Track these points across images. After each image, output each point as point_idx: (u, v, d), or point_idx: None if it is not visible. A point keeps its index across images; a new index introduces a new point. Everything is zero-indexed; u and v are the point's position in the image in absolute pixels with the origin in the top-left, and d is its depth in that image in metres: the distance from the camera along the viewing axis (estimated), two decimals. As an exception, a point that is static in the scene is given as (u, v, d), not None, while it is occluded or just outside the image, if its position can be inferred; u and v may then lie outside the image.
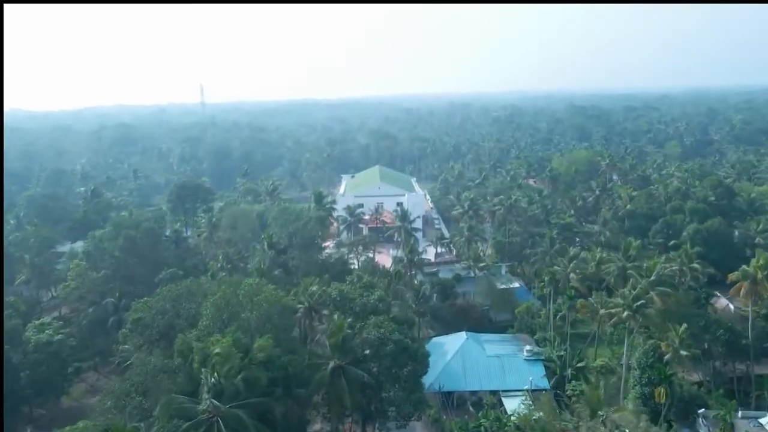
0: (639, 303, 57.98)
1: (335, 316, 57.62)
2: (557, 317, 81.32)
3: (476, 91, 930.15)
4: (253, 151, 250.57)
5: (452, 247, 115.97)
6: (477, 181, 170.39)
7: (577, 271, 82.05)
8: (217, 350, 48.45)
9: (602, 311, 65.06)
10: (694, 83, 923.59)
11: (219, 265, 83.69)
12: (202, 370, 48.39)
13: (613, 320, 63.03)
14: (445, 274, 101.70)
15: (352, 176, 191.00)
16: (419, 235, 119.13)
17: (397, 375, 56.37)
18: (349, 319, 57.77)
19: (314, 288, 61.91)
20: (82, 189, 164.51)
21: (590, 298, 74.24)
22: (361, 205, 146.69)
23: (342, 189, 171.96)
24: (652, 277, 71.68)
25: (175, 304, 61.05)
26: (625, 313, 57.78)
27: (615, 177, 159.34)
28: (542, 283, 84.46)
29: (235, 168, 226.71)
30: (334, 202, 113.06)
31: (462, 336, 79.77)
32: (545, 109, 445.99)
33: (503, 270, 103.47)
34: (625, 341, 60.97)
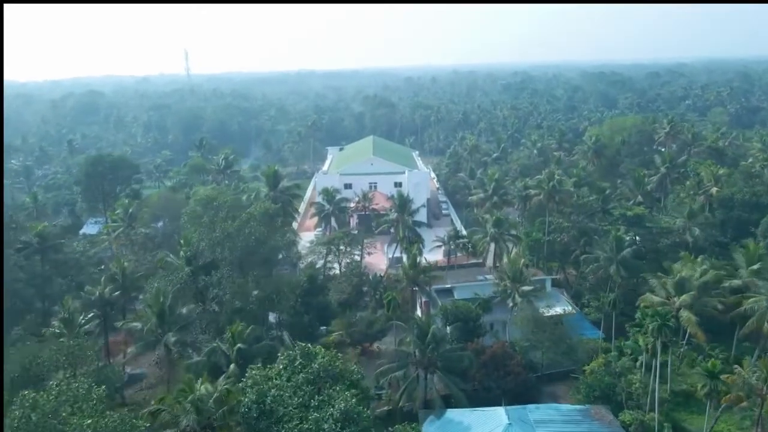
0: None
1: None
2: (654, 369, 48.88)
3: (479, 62, 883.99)
4: (228, 121, 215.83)
5: (470, 247, 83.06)
6: (495, 155, 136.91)
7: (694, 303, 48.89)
8: None
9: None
10: (704, 54, 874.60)
11: (97, 293, 50.59)
12: None
13: None
14: (463, 292, 68.89)
15: (341, 149, 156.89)
16: (423, 229, 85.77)
17: None
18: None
19: (203, 388, 28.77)
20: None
21: (739, 369, 41.19)
22: (348, 186, 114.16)
23: (326, 165, 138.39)
24: None
25: None
26: None
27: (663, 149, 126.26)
28: (637, 329, 51.24)
29: (208, 138, 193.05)
30: (296, 186, 78.75)
31: (500, 417, 47.19)
32: (558, 77, 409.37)
33: (548, 284, 70.53)
34: None
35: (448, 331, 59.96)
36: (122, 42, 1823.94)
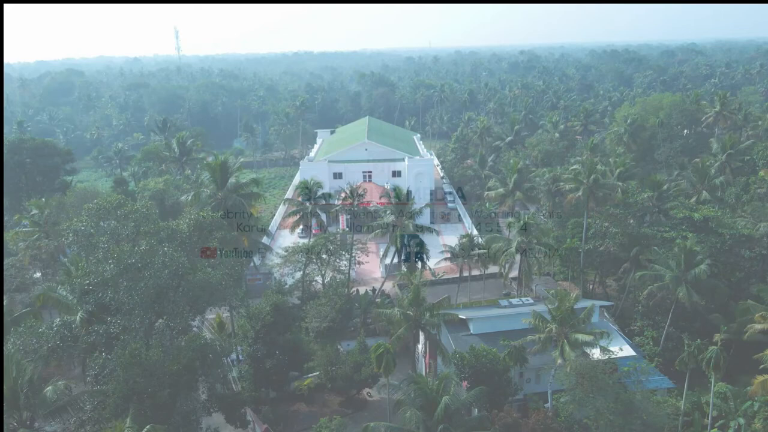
0: None
1: None
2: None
3: (481, 45, 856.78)
4: (212, 102, 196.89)
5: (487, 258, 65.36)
6: (508, 139, 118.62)
7: None
8: None
9: None
10: (712, 35, 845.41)
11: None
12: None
13: None
14: (482, 325, 51.28)
15: (332, 132, 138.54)
16: (427, 234, 67.49)
17: None
18: None
19: None
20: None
21: None
22: (337, 176, 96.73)
23: (314, 151, 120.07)
24: None
25: None
26: None
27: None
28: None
29: (184, 120, 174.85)
30: (255, 182, 60.20)
31: None
32: (566, 57, 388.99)
33: (596, 315, 52.66)
34: None
35: (464, 389, 42.61)
36: (119, 23, 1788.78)
